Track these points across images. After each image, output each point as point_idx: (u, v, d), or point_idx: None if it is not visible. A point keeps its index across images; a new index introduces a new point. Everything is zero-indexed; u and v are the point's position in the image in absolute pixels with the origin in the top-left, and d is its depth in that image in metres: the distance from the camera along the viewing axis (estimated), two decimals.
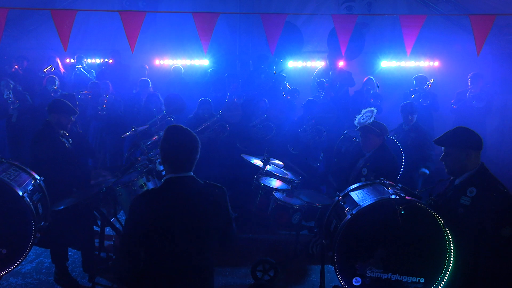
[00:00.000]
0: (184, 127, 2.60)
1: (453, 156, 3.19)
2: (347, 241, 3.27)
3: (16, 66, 8.05)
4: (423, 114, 7.02)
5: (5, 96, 7.26)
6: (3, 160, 4.22)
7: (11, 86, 7.34)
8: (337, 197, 3.77)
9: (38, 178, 4.24)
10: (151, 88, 7.49)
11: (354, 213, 3.27)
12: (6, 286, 4.65)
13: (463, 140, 3.17)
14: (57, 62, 8.37)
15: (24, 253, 3.93)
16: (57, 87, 7.40)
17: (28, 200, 3.88)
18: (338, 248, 3.27)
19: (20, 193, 3.84)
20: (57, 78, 7.58)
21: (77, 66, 8.35)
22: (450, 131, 3.27)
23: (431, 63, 8.64)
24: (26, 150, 5.12)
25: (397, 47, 8.52)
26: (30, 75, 8.34)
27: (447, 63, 8.50)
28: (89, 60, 8.87)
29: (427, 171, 5.77)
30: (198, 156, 2.57)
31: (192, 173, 2.59)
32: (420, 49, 8.13)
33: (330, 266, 4.33)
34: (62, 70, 8.44)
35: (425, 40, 7.52)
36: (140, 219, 2.44)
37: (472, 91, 7.23)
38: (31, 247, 3.97)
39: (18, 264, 4.00)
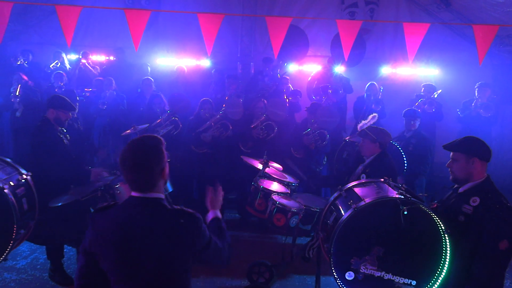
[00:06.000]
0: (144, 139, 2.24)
1: (459, 162, 3.19)
2: (346, 235, 3.25)
3: (22, 60, 8.02)
4: (427, 121, 7.06)
5: (11, 89, 7.27)
6: None
7: (23, 81, 7.36)
8: (338, 191, 3.75)
9: (25, 173, 4.12)
10: (153, 87, 7.47)
11: (357, 207, 3.25)
12: (0, 281, 4.62)
13: (470, 147, 3.17)
14: (63, 58, 8.33)
15: (7, 248, 3.69)
16: (63, 83, 7.38)
17: (8, 192, 3.70)
18: (336, 241, 3.25)
19: (0, 185, 3.69)
20: (64, 74, 7.58)
21: (82, 61, 8.31)
22: (459, 138, 3.28)
23: (430, 71, 8.65)
24: (28, 145, 5.09)
25: (397, 54, 8.57)
26: (35, 69, 8.28)
27: (447, 71, 8.53)
28: (92, 57, 8.82)
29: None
30: (156, 172, 2.21)
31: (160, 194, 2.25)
32: (420, 57, 8.15)
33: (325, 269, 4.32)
34: (67, 66, 8.40)
35: (425, 48, 7.54)
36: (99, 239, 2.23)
37: (479, 101, 7.27)
38: (14, 244, 3.75)
39: (2, 259, 3.74)
